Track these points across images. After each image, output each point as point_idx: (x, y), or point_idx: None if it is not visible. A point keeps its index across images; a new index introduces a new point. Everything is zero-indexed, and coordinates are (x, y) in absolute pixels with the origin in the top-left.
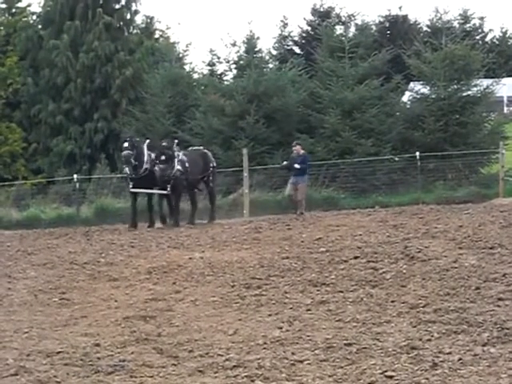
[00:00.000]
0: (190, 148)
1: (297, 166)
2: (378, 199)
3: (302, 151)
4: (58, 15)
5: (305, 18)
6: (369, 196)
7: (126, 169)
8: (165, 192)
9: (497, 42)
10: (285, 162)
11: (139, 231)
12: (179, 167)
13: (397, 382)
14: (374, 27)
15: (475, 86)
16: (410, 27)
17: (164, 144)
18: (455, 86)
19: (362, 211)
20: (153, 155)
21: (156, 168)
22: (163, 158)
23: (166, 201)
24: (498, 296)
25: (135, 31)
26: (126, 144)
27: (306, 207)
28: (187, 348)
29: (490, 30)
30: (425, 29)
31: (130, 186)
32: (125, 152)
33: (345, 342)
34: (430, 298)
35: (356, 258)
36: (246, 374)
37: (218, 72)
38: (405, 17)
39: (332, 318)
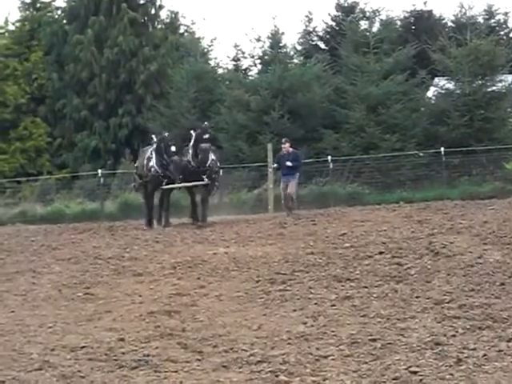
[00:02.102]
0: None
1: (289, 163)
2: (402, 195)
3: (291, 149)
4: (82, 10)
5: (329, 13)
6: (393, 191)
7: (156, 166)
8: (203, 183)
9: None
10: (275, 165)
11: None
12: (214, 157)
13: (421, 377)
14: (398, 22)
15: (500, 81)
16: (434, 22)
17: (204, 125)
18: (480, 82)
19: (386, 207)
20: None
21: (198, 150)
22: (206, 136)
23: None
24: None
25: (160, 26)
26: (173, 148)
27: (298, 205)
28: (211, 343)
29: None
30: (449, 24)
31: (163, 183)
32: (173, 148)
33: (369, 337)
34: (454, 293)
35: (381, 253)
36: (270, 369)
37: (243, 67)
38: (429, 12)
39: (357, 314)
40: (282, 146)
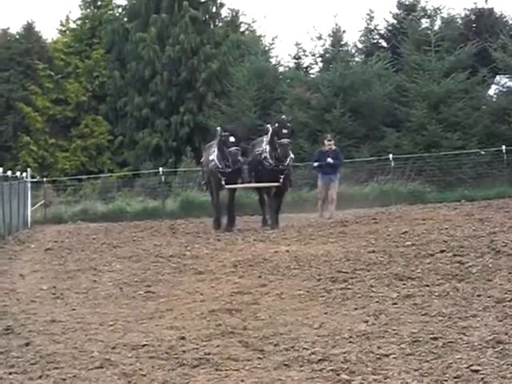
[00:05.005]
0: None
1: (330, 160)
2: (464, 193)
3: (333, 147)
4: (143, 8)
5: (390, 12)
6: (455, 190)
7: (216, 161)
8: (277, 184)
9: None
10: (315, 164)
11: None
12: (292, 155)
13: (482, 376)
14: (459, 20)
15: None
16: (496, 20)
17: (283, 117)
18: None
19: (447, 205)
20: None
21: (277, 145)
22: (286, 131)
23: (263, 197)
24: None
25: (221, 24)
26: (232, 139)
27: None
28: (273, 341)
29: None
30: (511, 22)
31: (223, 182)
32: (233, 149)
33: (431, 336)
34: None
35: (442, 251)
36: (331, 367)
37: (304, 65)
38: (491, 10)
39: (418, 312)
40: (327, 142)
